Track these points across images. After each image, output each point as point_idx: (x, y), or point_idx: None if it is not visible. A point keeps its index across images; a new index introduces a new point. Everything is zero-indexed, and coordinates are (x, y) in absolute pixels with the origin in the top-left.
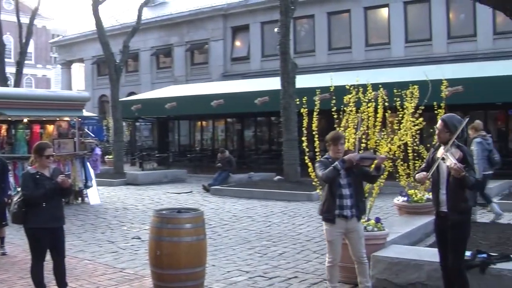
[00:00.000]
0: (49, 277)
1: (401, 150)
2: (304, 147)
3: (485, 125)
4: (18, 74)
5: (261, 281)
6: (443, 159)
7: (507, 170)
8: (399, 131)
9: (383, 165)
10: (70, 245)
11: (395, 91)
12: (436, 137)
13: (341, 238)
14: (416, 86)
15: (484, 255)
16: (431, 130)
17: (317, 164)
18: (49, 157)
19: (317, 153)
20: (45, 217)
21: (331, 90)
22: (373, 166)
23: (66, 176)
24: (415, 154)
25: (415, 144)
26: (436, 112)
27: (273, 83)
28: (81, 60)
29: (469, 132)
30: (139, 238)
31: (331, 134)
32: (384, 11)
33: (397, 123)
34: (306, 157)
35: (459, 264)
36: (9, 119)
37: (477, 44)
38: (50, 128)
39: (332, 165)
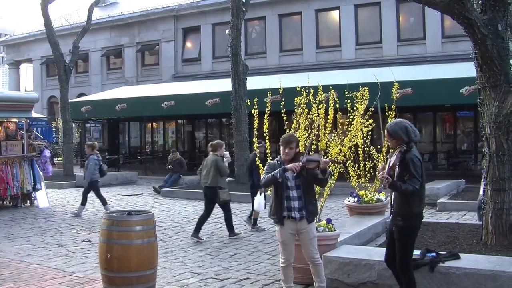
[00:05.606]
0: None
1: (351, 151)
2: (255, 149)
3: (433, 126)
4: None
5: (213, 282)
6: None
7: (454, 170)
8: (349, 133)
9: (329, 169)
10: (18, 249)
11: (346, 93)
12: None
13: (292, 239)
14: (366, 88)
15: (433, 254)
16: (382, 131)
17: (265, 167)
18: None
19: (268, 154)
20: None
21: (281, 91)
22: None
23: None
24: (365, 155)
25: (365, 145)
26: (386, 113)
27: (224, 85)
28: (29, 60)
29: (86, 150)
30: (89, 241)
31: (283, 136)
32: (335, 14)
33: (347, 124)
34: (257, 158)
35: (404, 264)
36: None
37: (426, 47)
38: None
39: (273, 172)
